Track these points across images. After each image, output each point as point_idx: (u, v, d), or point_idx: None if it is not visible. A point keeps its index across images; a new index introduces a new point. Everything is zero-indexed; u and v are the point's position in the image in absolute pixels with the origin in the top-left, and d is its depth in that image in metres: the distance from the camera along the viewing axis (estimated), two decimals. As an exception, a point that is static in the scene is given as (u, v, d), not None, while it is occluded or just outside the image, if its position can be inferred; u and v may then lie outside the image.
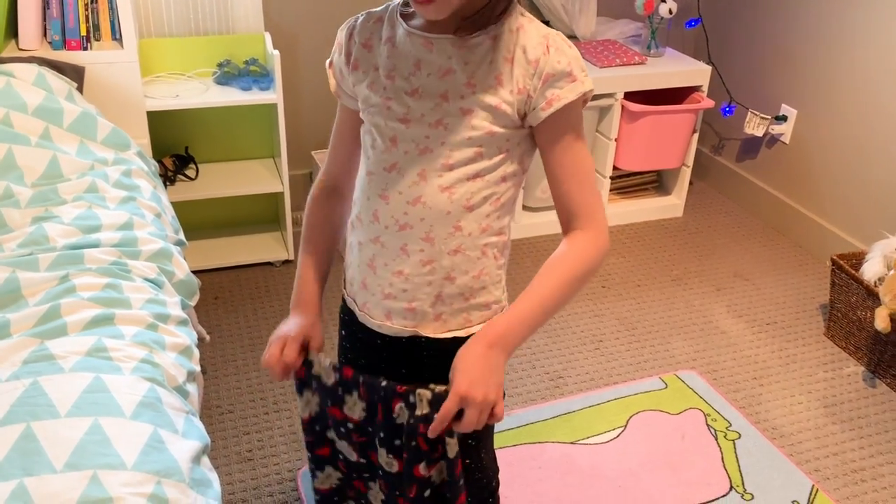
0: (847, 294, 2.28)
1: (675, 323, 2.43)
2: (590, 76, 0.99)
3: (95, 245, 1.53)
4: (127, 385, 1.21)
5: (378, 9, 1.06)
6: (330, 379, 1.08)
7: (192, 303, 1.68)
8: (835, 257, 2.32)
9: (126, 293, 1.44)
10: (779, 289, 2.63)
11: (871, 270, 2.21)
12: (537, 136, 1.01)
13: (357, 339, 1.18)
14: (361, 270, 1.10)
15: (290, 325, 1.10)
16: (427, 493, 1.05)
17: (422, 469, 1.02)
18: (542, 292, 0.99)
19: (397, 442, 1.04)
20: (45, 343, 1.27)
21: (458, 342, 1.01)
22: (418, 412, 0.99)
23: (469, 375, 0.94)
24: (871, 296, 2.18)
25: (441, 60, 0.98)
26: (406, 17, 1.02)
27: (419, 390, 0.99)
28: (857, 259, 2.31)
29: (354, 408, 1.07)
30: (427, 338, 1.09)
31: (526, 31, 0.98)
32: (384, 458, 1.06)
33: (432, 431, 0.97)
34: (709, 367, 2.24)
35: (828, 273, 2.41)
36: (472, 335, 1.01)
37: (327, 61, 1.13)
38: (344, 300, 1.20)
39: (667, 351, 2.30)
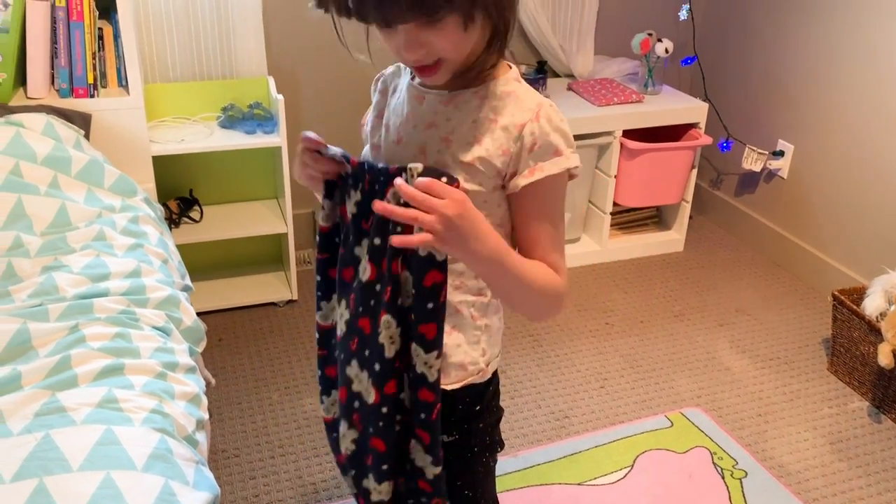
0: (849, 329, 2.29)
1: (678, 359, 2.43)
2: (575, 151, 0.98)
3: (104, 294, 1.54)
4: (138, 437, 1.22)
5: None
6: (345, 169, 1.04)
7: (200, 349, 1.69)
8: (836, 293, 2.33)
9: (135, 342, 1.45)
10: (781, 323, 2.64)
11: (872, 305, 2.22)
12: (514, 202, 1.00)
13: None
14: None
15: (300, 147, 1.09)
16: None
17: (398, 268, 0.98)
18: (525, 268, 0.97)
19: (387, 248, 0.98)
20: (56, 395, 1.28)
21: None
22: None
23: (462, 210, 0.88)
24: (873, 331, 2.19)
25: (428, 114, 1.00)
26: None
27: (411, 165, 0.92)
28: (859, 294, 2.33)
29: (352, 203, 1.04)
30: None
31: (517, 96, 0.97)
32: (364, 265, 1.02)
33: (403, 194, 0.87)
34: (713, 405, 2.24)
35: (829, 307, 2.43)
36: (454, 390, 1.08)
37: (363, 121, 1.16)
38: None
39: (671, 388, 2.30)
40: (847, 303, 2.28)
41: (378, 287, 1.01)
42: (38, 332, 1.41)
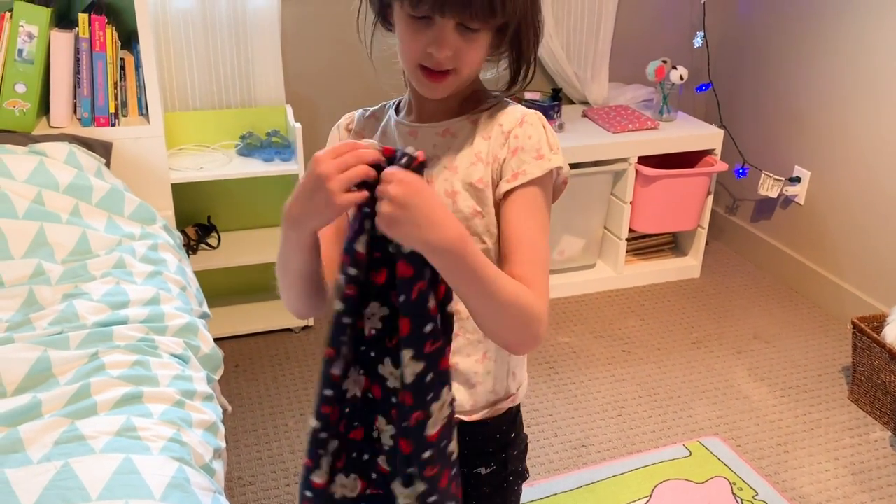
0: (870, 357, 2.26)
1: (696, 387, 2.41)
2: (563, 155, 0.97)
3: (124, 321, 1.55)
4: (156, 466, 1.22)
5: (374, 107, 1.08)
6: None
7: (217, 377, 1.69)
8: (855, 320, 2.31)
9: (154, 370, 1.46)
10: (799, 351, 2.61)
11: (892, 334, 2.20)
12: (500, 211, 0.97)
13: None
14: None
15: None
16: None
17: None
18: (492, 273, 0.87)
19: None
20: (75, 423, 1.28)
21: (466, 426, 1.04)
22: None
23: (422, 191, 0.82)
24: (894, 359, 2.16)
25: (426, 147, 0.99)
26: (396, 111, 1.05)
27: (409, 147, 0.85)
28: (879, 321, 2.30)
29: None
30: None
31: (506, 111, 0.99)
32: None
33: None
34: (732, 433, 2.21)
35: (849, 335, 2.40)
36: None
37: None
38: None
39: (689, 416, 2.28)
40: (867, 331, 2.25)
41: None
42: (58, 360, 1.42)
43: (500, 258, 0.96)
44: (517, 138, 0.95)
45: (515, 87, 0.99)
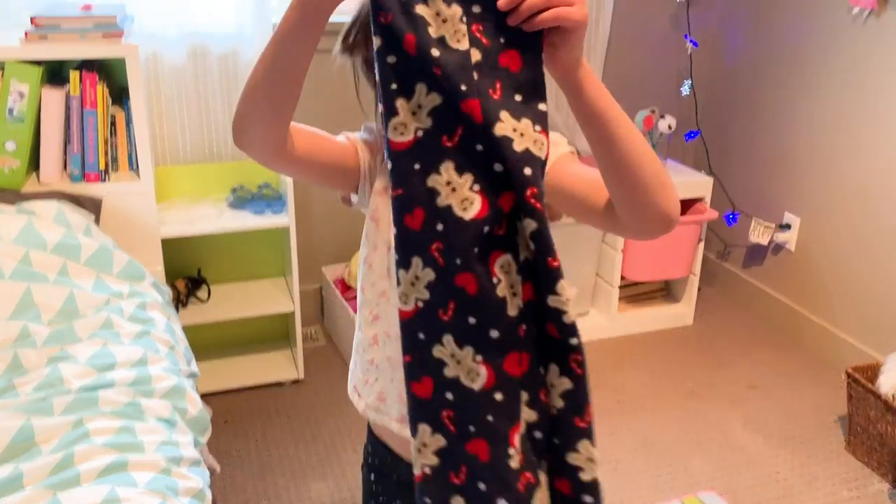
0: (865, 408, 2.25)
1: (692, 439, 2.39)
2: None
3: (110, 385, 1.53)
4: (140, 540, 1.19)
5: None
6: None
7: (205, 439, 1.66)
8: (850, 370, 2.30)
9: (140, 436, 1.43)
10: (795, 400, 2.59)
11: (888, 383, 2.19)
12: (551, 190, 0.90)
13: (398, 483, 1.14)
14: (395, 381, 1.07)
15: None
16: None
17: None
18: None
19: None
20: (57, 495, 1.25)
21: None
22: None
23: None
24: (889, 410, 2.15)
25: None
26: None
27: None
28: (873, 371, 2.29)
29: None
30: None
31: None
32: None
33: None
34: (729, 487, 2.18)
35: (843, 384, 2.39)
36: None
37: (351, 135, 1.08)
38: (371, 443, 1.18)
39: (686, 470, 2.25)
40: (862, 381, 2.24)
41: (486, 228, 0.77)
42: (41, 428, 1.39)
43: (593, 197, 0.93)
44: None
45: None
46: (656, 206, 0.87)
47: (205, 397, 2.37)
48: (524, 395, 0.78)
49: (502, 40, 0.77)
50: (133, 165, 2.23)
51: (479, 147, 0.77)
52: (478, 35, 0.76)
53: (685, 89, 3.09)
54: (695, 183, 2.91)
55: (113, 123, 2.19)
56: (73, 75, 2.07)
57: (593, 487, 0.80)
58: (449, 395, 0.78)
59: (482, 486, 0.78)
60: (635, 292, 3.10)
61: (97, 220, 2.10)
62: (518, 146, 0.76)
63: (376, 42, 0.76)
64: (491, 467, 0.77)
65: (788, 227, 2.92)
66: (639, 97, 3.09)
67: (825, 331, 2.81)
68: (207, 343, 2.63)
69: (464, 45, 0.75)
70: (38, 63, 2.05)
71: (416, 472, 0.81)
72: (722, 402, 2.57)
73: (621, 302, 3.03)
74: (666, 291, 3.17)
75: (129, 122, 2.18)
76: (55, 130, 2.10)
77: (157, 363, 1.65)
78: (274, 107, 0.91)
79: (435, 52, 0.74)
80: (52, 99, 2.07)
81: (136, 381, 1.56)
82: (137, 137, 2.15)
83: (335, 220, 2.85)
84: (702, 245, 2.97)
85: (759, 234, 2.98)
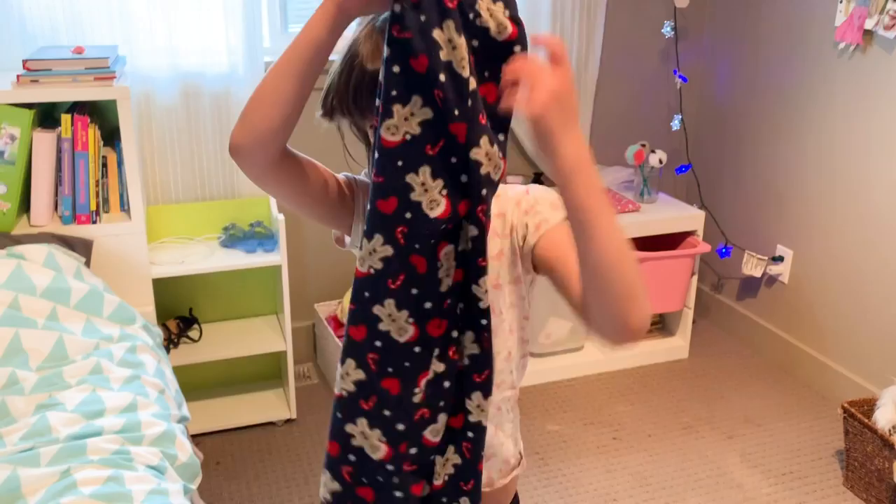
0: (862, 443, 2.23)
1: (689, 476, 2.36)
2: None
3: (98, 433, 1.51)
4: None
5: None
6: None
7: (195, 486, 1.63)
8: (846, 405, 2.28)
9: (128, 485, 1.40)
10: (791, 434, 2.58)
11: (884, 418, 2.18)
12: (539, 261, 1.01)
13: None
14: None
15: None
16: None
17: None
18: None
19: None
20: (43, 550, 1.23)
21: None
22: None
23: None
24: (887, 445, 2.13)
25: None
26: None
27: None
28: (869, 406, 2.28)
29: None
30: None
31: (508, 190, 1.06)
32: None
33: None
34: (728, 526, 2.16)
35: (840, 417, 2.38)
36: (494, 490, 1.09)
37: (351, 175, 1.11)
38: None
39: (683, 508, 2.22)
40: (858, 415, 2.23)
41: (443, 226, 0.90)
42: (28, 479, 1.37)
43: (571, 283, 0.93)
44: (527, 202, 1.03)
45: None
46: (622, 318, 0.84)
47: (196, 438, 2.35)
48: (436, 351, 0.95)
49: (486, 74, 0.87)
50: (124, 206, 2.23)
51: (454, 160, 0.88)
52: (473, 65, 0.87)
53: (675, 124, 3.12)
54: (687, 216, 2.92)
55: (104, 165, 2.19)
56: (65, 118, 2.07)
57: (477, 428, 0.98)
58: (378, 343, 0.95)
59: (387, 412, 0.96)
60: (630, 326, 3.09)
61: (88, 262, 2.09)
62: (483, 170, 0.87)
63: (386, 51, 0.85)
64: (398, 399, 0.96)
65: (781, 259, 2.93)
66: (630, 131, 3.11)
67: (820, 363, 2.80)
68: (199, 383, 2.60)
69: (466, 72, 0.85)
70: (29, 106, 2.05)
71: (336, 391, 0.99)
72: (718, 438, 2.55)
73: (616, 336, 3.02)
74: (661, 325, 3.16)
75: (120, 163, 2.18)
76: (46, 173, 2.10)
77: (147, 408, 1.63)
78: (282, 113, 0.92)
79: (441, 77, 0.84)
80: (44, 142, 2.07)
81: (124, 428, 1.54)
82: (129, 179, 2.15)
83: (327, 257, 2.84)
84: (695, 278, 2.97)
85: (752, 266, 2.99)
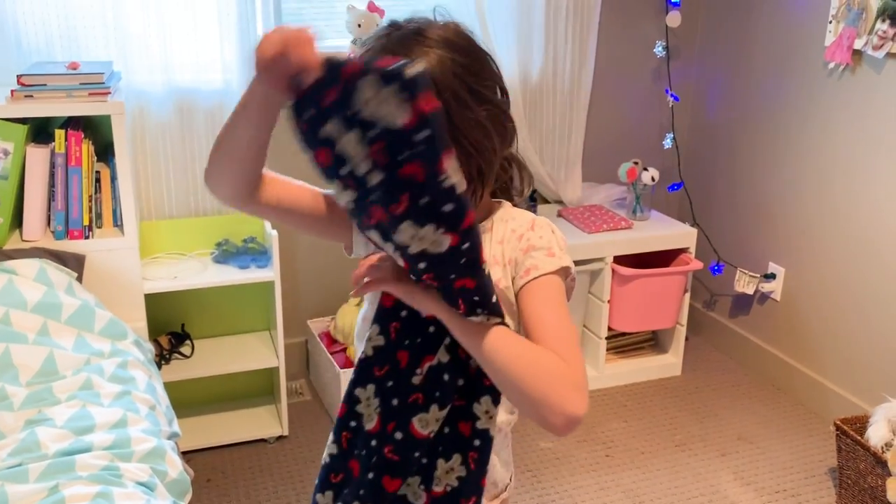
0: (855, 460, 2.23)
1: (682, 494, 2.35)
2: (569, 253, 1.03)
3: (87, 449, 1.50)
4: None
5: None
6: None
7: (185, 503, 1.62)
8: (838, 422, 2.28)
9: (117, 502, 1.39)
10: (784, 452, 2.57)
11: (876, 436, 2.17)
12: (519, 307, 1.00)
13: None
14: None
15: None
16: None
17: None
18: (507, 339, 0.92)
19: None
20: (30, 567, 1.21)
21: None
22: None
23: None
24: (879, 463, 2.13)
25: None
26: None
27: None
28: (862, 423, 2.28)
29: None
30: None
31: (517, 217, 1.07)
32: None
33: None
34: (721, 544, 2.15)
35: (832, 435, 2.38)
36: None
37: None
38: None
39: (676, 526, 2.21)
40: (850, 433, 2.23)
41: (432, 328, 0.99)
42: (16, 496, 1.36)
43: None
44: (529, 240, 1.01)
45: (478, 194, 1.02)
46: (543, 422, 0.88)
47: (187, 455, 2.33)
48: (447, 340, 0.98)
49: (405, 155, 0.81)
50: (117, 221, 2.23)
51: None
52: (379, 155, 0.82)
53: (667, 142, 3.14)
54: (679, 234, 2.93)
55: (97, 180, 2.19)
56: (59, 133, 2.08)
57: (484, 436, 1.00)
58: (403, 313, 1.00)
59: (390, 383, 1.00)
60: (623, 343, 3.09)
61: (80, 278, 2.08)
62: (414, 249, 0.86)
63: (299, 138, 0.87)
64: (403, 373, 1.00)
65: (773, 276, 2.94)
66: (622, 149, 3.13)
67: (812, 381, 2.81)
68: (190, 399, 2.59)
69: (362, 169, 0.83)
70: (23, 121, 2.05)
71: (359, 354, 1.04)
72: (711, 455, 2.55)
73: (609, 353, 3.02)
74: (654, 342, 3.16)
75: (113, 178, 2.18)
76: (39, 188, 2.10)
77: (137, 424, 1.62)
78: (236, 169, 0.98)
79: (343, 172, 0.85)
80: (37, 157, 2.07)
81: (114, 444, 1.53)
82: (122, 194, 2.15)
83: (321, 273, 2.84)
84: (688, 295, 2.98)
85: (744, 284, 3.00)
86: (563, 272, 1.00)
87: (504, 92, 1.03)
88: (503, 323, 0.94)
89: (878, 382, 2.52)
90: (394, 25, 0.99)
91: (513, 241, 1.03)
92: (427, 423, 0.99)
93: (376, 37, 0.98)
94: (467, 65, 0.96)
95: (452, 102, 0.94)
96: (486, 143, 0.98)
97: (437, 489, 1.01)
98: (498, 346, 0.91)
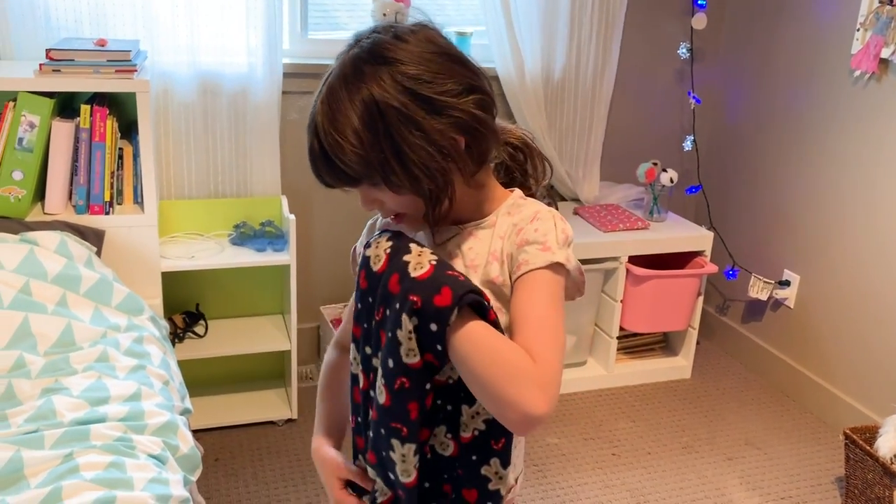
0: (863, 470, 2.22)
1: (687, 496, 2.35)
2: (574, 248, 1.00)
3: (102, 419, 1.51)
4: (124, 581, 1.16)
5: None
6: None
7: (195, 477, 1.64)
8: (847, 431, 2.28)
9: (129, 472, 1.41)
10: (792, 459, 2.57)
11: (885, 446, 2.17)
12: (510, 300, 0.98)
13: None
14: None
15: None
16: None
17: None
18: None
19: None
20: (42, 531, 1.23)
21: None
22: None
23: None
24: (888, 474, 2.12)
25: (452, 248, 1.04)
26: None
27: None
28: (871, 433, 2.27)
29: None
30: None
31: (522, 209, 1.04)
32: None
33: None
34: (724, 547, 2.15)
35: (841, 444, 2.37)
36: None
37: (353, 248, 1.18)
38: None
39: (680, 527, 2.22)
40: (860, 442, 2.22)
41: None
42: (31, 461, 1.38)
43: (511, 336, 0.94)
44: (525, 232, 0.99)
45: (438, 212, 0.99)
46: (500, 416, 0.89)
47: (197, 433, 2.35)
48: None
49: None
50: (138, 199, 2.25)
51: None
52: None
53: (687, 144, 3.13)
54: (695, 237, 2.93)
55: (120, 157, 2.21)
56: (84, 109, 2.10)
57: (495, 496, 1.01)
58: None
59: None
60: (634, 343, 3.09)
61: (99, 252, 2.10)
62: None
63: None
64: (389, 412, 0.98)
65: (788, 283, 2.93)
66: (642, 149, 3.13)
67: (823, 389, 2.79)
68: (202, 378, 2.61)
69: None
70: (50, 95, 2.07)
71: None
72: (718, 459, 2.54)
73: (619, 353, 3.02)
74: (664, 344, 3.16)
75: (136, 155, 2.20)
76: (63, 162, 2.12)
77: (151, 398, 1.64)
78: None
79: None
80: (62, 131, 2.09)
81: (128, 417, 1.55)
82: (144, 172, 2.17)
83: (336, 260, 2.85)
84: (701, 299, 2.97)
85: (758, 289, 2.99)
86: (556, 267, 0.96)
87: (477, 89, 0.97)
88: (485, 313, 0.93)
89: (889, 393, 2.51)
90: (355, 42, 0.98)
91: (512, 236, 1.00)
92: (416, 407, 0.96)
93: (339, 55, 0.98)
94: (418, 75, 0.93)
95: (398, 124, 0.92)
96: (433, 164, 0.94)
97: (466, 435, 0.99)
98: (465, 337, 0.89)
